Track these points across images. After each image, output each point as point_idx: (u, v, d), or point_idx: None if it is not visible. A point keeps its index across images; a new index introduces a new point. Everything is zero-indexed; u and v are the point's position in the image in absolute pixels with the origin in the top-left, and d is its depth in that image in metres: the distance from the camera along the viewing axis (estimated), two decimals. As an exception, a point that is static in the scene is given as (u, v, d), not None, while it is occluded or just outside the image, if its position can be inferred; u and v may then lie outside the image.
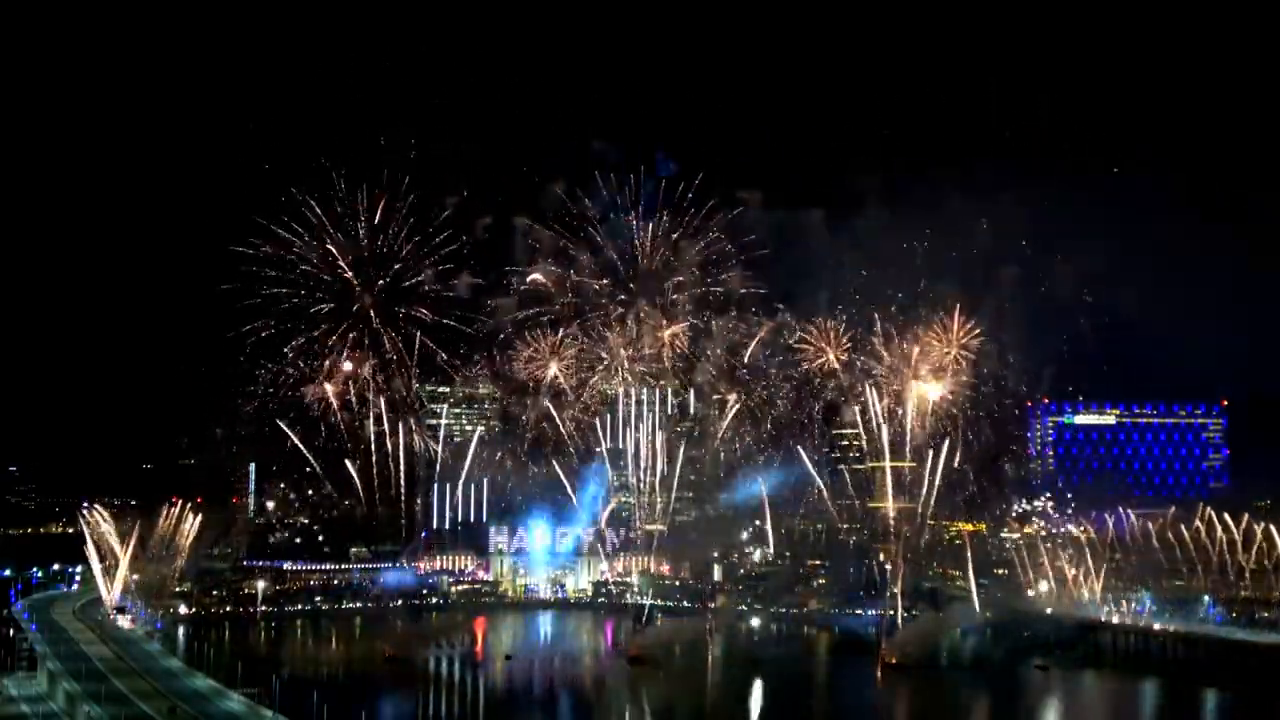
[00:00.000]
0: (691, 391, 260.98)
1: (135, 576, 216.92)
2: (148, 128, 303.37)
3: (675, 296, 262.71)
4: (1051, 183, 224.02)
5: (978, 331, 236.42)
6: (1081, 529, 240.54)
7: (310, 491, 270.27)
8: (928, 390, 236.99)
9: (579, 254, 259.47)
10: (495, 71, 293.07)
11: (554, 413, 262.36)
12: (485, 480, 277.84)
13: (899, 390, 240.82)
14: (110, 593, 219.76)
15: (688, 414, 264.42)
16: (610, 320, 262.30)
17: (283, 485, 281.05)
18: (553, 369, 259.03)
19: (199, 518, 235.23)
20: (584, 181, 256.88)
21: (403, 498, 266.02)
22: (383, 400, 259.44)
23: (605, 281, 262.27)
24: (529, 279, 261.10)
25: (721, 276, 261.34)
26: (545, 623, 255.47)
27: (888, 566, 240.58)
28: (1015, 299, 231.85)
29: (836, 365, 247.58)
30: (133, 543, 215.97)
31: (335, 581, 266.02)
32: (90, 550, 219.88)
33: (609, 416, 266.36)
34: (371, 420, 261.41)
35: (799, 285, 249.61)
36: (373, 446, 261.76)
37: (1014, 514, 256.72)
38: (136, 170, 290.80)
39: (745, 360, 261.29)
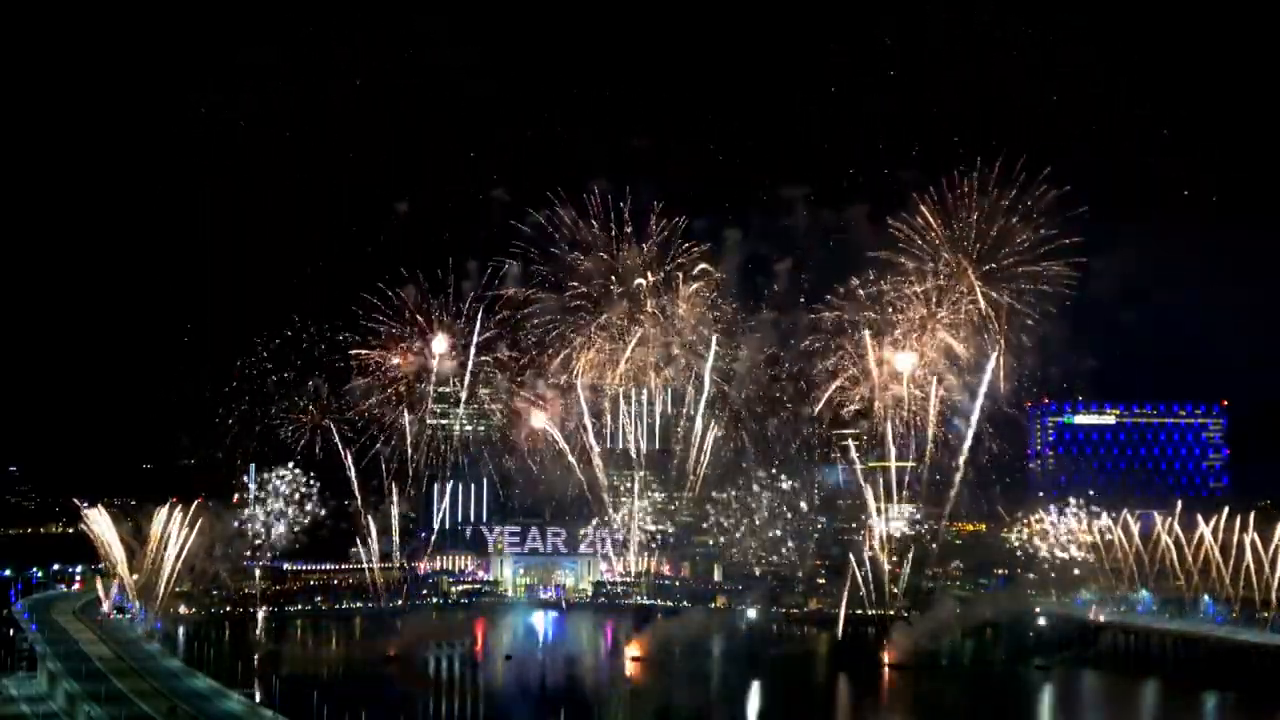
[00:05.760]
0: (693, 390, 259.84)
1: (135, 576, 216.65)
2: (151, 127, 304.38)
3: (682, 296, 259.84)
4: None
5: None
6: (1082, 529, 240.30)
7: (310, 491, 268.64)
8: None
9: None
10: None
11: (555, 412, 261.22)
12: (485, 480, 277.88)
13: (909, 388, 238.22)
14: (109, 593, 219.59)
15: (688, 413, 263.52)
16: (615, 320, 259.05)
17: (283, 485, 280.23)
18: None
19: (199, 518, 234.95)
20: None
21: (404, 497, 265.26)
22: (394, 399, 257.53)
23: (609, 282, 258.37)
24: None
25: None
26: (545, 623, 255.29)
27: (888, 567, 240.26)
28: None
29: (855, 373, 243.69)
30: (133, 543, 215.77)
31: (336, 581, 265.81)
32: (98, 548, 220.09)
33: (608, 416, 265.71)
34: (371, 419, 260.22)
35: (812, 283, 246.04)
36: (375, 444, 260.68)
37: (1015, 514, 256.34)
38: (137, 168, 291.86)
39: (748, 358, 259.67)
